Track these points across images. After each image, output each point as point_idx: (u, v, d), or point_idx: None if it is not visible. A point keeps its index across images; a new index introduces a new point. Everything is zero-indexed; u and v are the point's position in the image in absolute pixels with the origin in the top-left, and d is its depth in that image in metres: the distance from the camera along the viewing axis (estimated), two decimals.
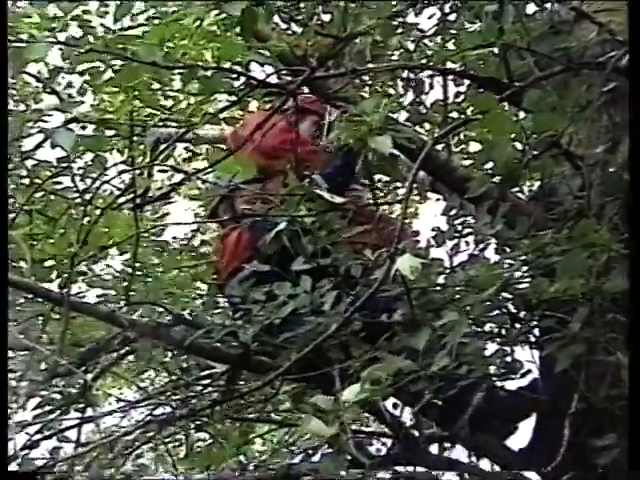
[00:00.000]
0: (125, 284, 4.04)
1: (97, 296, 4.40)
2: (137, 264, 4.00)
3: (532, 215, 3.54)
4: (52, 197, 4.26)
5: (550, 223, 3.43)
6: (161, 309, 3.93)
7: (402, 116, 4.69)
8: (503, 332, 3.41)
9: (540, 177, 3.99)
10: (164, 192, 4.74)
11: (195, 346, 3.62)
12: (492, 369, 3.34)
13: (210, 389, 4.12)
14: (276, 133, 3.95)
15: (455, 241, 3.81)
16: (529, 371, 3.46)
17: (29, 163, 4.64)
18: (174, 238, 4.99)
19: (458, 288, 3.31)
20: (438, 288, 3.39)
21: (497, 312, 3.30)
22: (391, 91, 5.10)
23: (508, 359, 3.33)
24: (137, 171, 3.77)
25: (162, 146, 4.00)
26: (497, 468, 3.81)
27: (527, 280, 3.29)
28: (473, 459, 3.95)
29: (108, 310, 3.70)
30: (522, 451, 3.74)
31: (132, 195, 3.71)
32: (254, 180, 4.12)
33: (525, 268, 3.32)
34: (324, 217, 3.67)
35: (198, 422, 4.54)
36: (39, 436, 4.04)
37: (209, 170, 4.10)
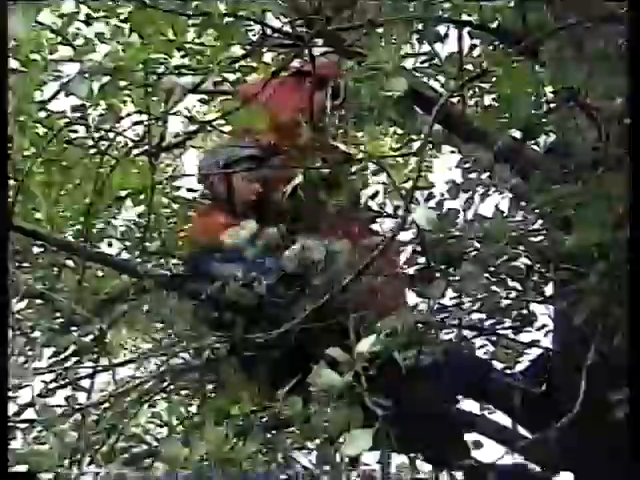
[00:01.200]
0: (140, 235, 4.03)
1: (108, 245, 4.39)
2: (152, 215, 3.98)
3: (548, 168, 3.50)
4: (67, 147, 4.21)
5: (566, 176, 3.40)
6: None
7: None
8: (519, 286, 3.40)
9: (556, 130, 3.95)
10: (179, 140, 4.70)
11: (210, 297, 3.60)
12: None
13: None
14: (290, 98, 3.92)
15: (469, 194, 3.78)
16: (544, 325, 3.46)
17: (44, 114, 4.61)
18: (189, 190, 4.94)
19: (473, 240, 3.29)
20: (453, 240, 3.38)
21: (512, 264, 3.27)
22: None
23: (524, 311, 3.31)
24: (152, 120, 3.72)
25: (176, 94, 3.96)
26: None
27: (543, 233, 3.27)
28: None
29: (123, 260, 3.69)
30: None
31: (147, 145, 3.68)
32: (256, 158, 4.07)
33: (541, 221, 3.29)
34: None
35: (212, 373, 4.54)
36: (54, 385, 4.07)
37: (222, 120, 4.04)
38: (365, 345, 2.70)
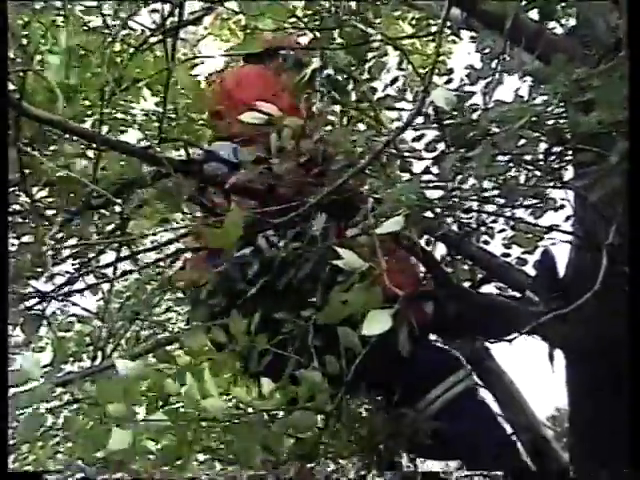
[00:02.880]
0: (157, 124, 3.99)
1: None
2: (169, 105, 3.94)
3: (568, 51, 3.43)
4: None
5: (587, 58, 3.34)
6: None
7: None
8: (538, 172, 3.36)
9: (577, 12, 3.87)
10: (195, 17, 4.61)
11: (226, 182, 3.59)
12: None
13: None
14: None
15: (489, 79, 3.72)
16: (562, 206, 3.43)
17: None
18: (206, 79, 4.89)
19: (492, 125, 3.24)
20: (471, 125, 3.33)
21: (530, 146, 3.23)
22: None
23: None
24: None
25: None
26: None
27: (563, 117, 3.22)
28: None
29: (141, 147, 3.67)
30: None
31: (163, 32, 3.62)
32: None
33: (561, 105, 3.24)
34: None
35: None
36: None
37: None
38: (386, 227, 2.68)
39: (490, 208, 3.54)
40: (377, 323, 2.44)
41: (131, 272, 4.64)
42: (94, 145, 3.59)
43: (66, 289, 4.11)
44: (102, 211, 4.07)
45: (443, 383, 3.68)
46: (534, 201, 3.38)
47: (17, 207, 3.96)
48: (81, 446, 2.90)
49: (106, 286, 4.59)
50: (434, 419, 3.63)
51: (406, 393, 3.71)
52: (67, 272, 4.14)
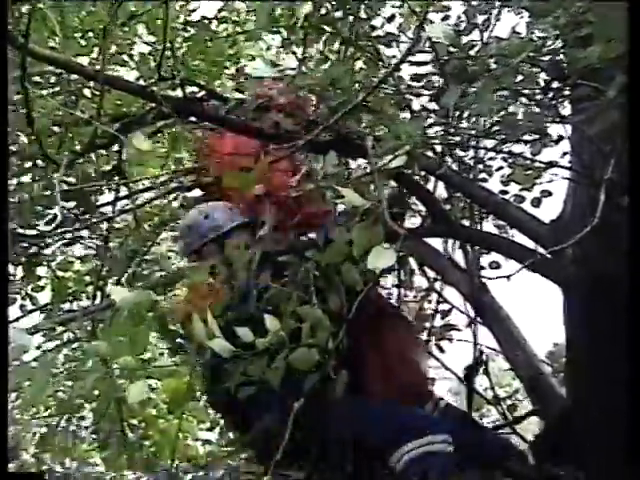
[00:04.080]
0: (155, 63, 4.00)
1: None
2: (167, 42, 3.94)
3: None
4: None
5: None
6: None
7: None
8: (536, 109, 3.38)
9: None
10: None
11: (227, 120, 3.60)
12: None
13: None
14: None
15: (486, 16, 3.73)
16: (561, 137, 3.45)
17: None
18: (203, 18, 4.87)
19: (490, 60, 3.25)
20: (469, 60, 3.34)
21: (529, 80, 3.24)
22: None
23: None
24: None
25: None
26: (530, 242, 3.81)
27: (561, 52, 3.23)
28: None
29: (141, 85, 3.67)
30: (553, 222, 3.75)
31: None
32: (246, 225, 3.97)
33: (559, 41, 3.25)
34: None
35: None
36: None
37: None
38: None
39: (489, 144, 3.57)
40: (381, 258, 2.49)
41: (128, 211, 4.66)
42: (94, 84, 3.60)
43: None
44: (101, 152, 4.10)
45: (423, 438, 3.61)
46: (533, 137, 3.39)
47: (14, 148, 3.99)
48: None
49: (105, 225, 4.63)
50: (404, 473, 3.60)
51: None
52: (68, 210, 4.18)
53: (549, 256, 3.44)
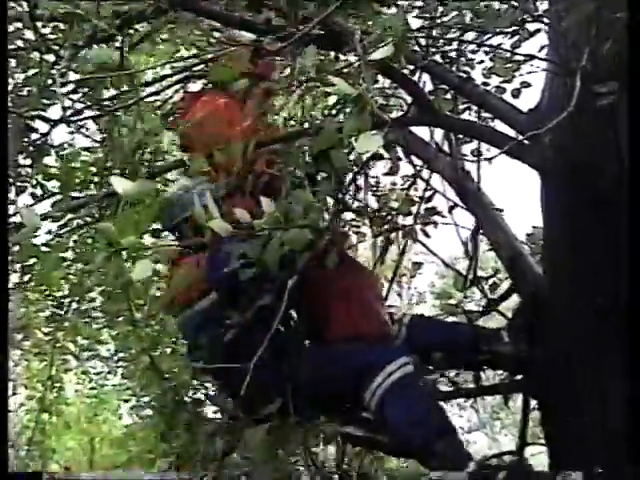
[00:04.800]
0: None
1: None
2: None
3: None
4: None
5: None
6: None
7: None
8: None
9: None
10: None
11: (222, 15, 3.60)
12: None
13: None
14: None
15: None
16: (538, 30, 3.45)
17: None
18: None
19: None
20: None
21: None
22: None
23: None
24: None
25: None
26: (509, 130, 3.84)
27: None
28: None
29: None
30: (532, 111, 3.78)
31: None
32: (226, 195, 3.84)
33: None
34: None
35: None
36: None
37: None
38: (377, 53, 2.73)
39: (471, 37, 3.58)
40: (369, 143, 2.53)
41: (130, 106, 4.65)
42: None
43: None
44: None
45: (382, 372, 3.60)
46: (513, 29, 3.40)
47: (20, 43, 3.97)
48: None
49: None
50: (379, 407, 3.62)
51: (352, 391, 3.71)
52: (73, 101, 4.18)
53: (527, 142, 3.49)
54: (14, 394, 7.67)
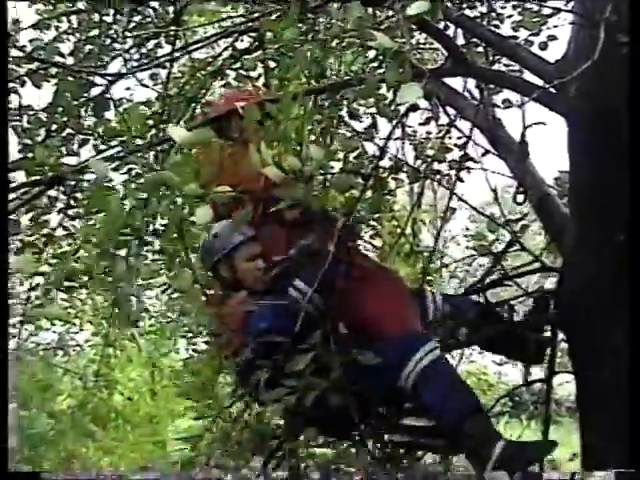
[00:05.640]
0: None
1: None
2: None
3: None
4: None
5: None
6: None
7: None
8: None
9: None
10: None
11: None
12: None
13: None
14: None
15: None
16: None
17: None
18: None
19: None
20: None
21: None
22: None
23: None
24: None
25: None
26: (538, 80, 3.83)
27: None
28: None
29: None
30: (558, 62, 3.77)
31: None
32: (253, 238, 3.89)
33: None
34: None
35: None
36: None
37: None
38: (414, 9, 2.72)
39: None
40: (409, 94, 2.55)
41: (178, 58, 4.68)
42: None
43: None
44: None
45: (412, 360, 3.58)
46: None
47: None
48: None
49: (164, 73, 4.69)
50: (412, 391, 3.61)
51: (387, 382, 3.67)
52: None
53: (554, 90, 3.49)
54: (81, 330, 7.82)
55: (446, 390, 3.58)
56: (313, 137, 4.97)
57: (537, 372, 4.76)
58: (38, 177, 3.41)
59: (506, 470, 3.30)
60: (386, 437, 3.81)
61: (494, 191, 4.69)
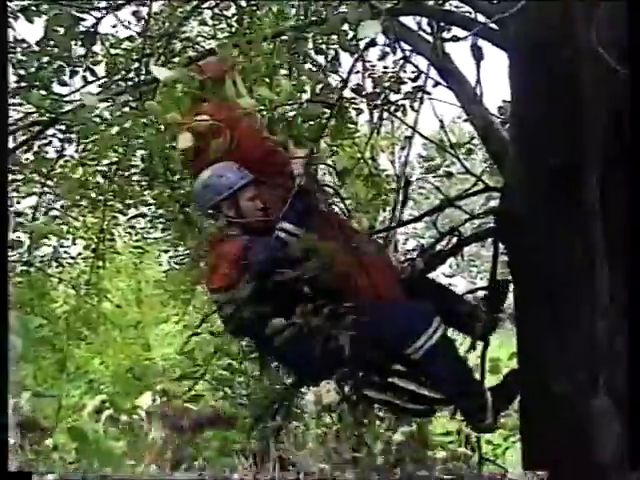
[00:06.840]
0: None
1: None
2: None
3: None
4: None
5: None
6: None
7: None
8: None
9: None
10: None
11: None
12: None
13: None
14: None
15: None
16: None
17: None
18: None
19: None
20: None
21: None
22: None
23: None
24: None
25: None
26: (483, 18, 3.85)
27: None
28: None
29: None
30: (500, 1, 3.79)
31: None
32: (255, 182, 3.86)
33: None
34: None
35: None
36: None
37: None
38: None
39: None
40: (369, 30, 2.58)
41: None
42: None
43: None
44: None
45: (425, 334, 3.65)
46: None
47: None
48: None
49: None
50: (421, 363, 3.70)
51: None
52: None
53: (496, 27, 3.53)
54: (74, 244, 7.89)
55: (450, 364, 3.77)
56: (283, 72, 5.00)
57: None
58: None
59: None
60: (366, 392, 3.88)
61: (441, 121, 4.73)
